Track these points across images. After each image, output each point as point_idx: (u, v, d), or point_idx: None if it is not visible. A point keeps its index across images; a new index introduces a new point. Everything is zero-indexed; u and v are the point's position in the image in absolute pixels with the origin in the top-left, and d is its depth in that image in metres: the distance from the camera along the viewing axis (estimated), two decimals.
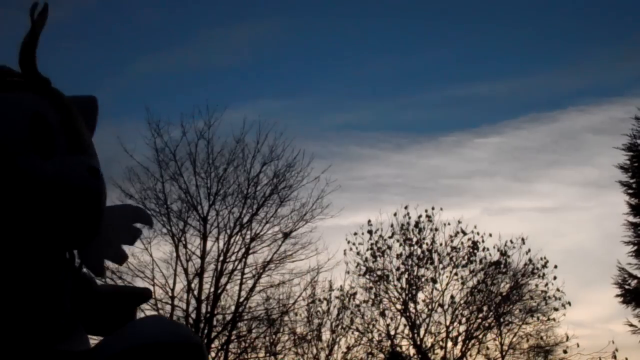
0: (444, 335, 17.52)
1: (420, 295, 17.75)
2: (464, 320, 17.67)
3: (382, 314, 17.68)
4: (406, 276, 17.74)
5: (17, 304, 2.36)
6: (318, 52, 26.96)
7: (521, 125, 28.62)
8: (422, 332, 17.51)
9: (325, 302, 17.49)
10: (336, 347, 17.39)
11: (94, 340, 2.59)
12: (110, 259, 2.68)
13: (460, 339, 17.59)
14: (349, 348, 17.44)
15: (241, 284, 16.00)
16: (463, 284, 17.74)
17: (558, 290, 17.84)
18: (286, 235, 16.29)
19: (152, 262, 15.55)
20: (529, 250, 18.05)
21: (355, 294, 17.78)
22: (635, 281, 16.24)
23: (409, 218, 18.00)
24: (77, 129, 2.54)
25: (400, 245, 17.95)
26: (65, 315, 2.50)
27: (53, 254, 2.50)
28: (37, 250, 2.42)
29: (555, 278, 17.92)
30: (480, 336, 17.82)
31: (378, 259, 17.93)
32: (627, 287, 16.24)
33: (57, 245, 2.49)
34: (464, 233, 17.92)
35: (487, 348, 17.82)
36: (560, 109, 29.23)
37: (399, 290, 17.72)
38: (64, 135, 2.45)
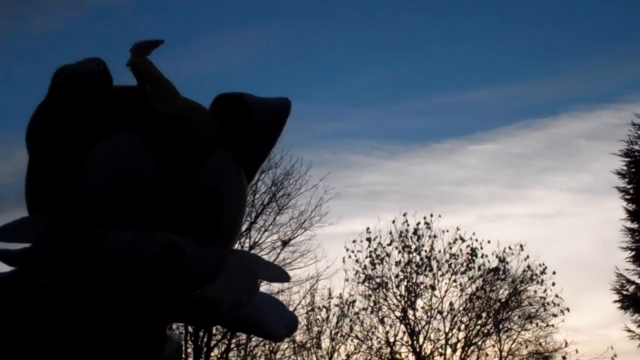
0: (443, 342, 17.54)
1: (419, 302, 17.77)
2: (463, 326, 17.69)
3: (382, 321, 17.68)
4: (405, 283, 17.76)
5: None
6: (310, 60, 26.96)
7: (514, 132, 28.61)
8: (421, 339, 17.53)
9: (324, 309, 17.50)
10: (336, 354, 17.40)
11: None
12: (225, 301, 2.27)
13: (459, 345, 17.62)
14: (348, 356, 17.44)
15: None
16: (462, 290, 17.77)
17: (557, 296, 17.89)
18: (285, 243, 16.28)
19: None
20: (528, 257, 18.09)
21: (354, 301, 17.79)
22: (634, 287, 16.30)
23: (408, 225, 18.06)
24: (177, 191, 1.98)
25: (399, 252, 17.99)
26: None
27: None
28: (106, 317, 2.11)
29: (553, 284, 17.94)
30: (480, 343, 17.85)
31: (377, 266, 17.94)
32: (625, 292, 16.29)
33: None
34: (463, 240, 17.96)
35: (487, 354, 17.85)
36: (553, 115, 29.31)
37: (398, 297, 17.75)
38: (153, 199, 1.98)
